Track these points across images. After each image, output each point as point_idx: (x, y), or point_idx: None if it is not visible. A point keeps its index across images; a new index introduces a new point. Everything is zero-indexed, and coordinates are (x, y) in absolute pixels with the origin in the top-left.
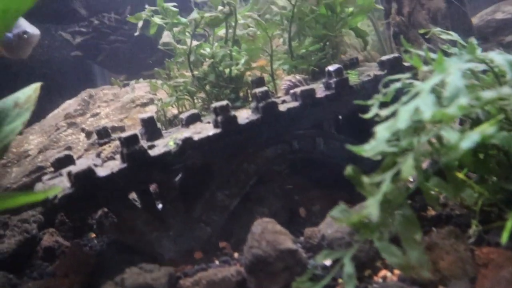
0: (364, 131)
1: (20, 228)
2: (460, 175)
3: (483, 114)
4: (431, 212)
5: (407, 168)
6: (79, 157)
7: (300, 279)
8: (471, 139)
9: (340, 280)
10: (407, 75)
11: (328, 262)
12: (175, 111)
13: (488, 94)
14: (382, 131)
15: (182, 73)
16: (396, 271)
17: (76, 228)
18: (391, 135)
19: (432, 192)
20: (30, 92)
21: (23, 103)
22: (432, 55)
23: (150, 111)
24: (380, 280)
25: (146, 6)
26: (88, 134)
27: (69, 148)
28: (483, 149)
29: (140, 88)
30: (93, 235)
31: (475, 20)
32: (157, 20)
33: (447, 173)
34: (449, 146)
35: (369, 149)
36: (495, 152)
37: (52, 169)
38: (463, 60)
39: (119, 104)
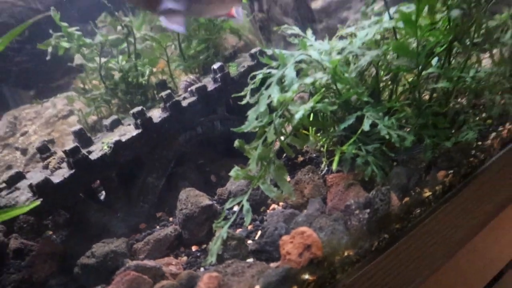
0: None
1: None
2: (305, 132)
3: (314, 90)
4: (300, 159)
5: (271, 134)
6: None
7: (216, 221)
8: (301, 111)
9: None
10: (266, 68)
11: (236, 208)
12: (94, 117)
13: (308, 80)
14: (251, 114)
15: (95, 84)
16: (281, 203)
17: (34, 229)
18: (258, 116)
19: (287, 144)
20: None
21: None
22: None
23: (73, 122)
24: (271, 212)
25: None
26: (23, 151)
27: (10, 166)
28: (321, 112)
29: (58, 102)
30: (50, 232)
31: (319, 2)
32: (65, 44)
33: (296, 132)
34: (292, 116)
35: (245, 127)
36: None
37: (4, 185)
38: (296, 55)
39: (43, 120)
